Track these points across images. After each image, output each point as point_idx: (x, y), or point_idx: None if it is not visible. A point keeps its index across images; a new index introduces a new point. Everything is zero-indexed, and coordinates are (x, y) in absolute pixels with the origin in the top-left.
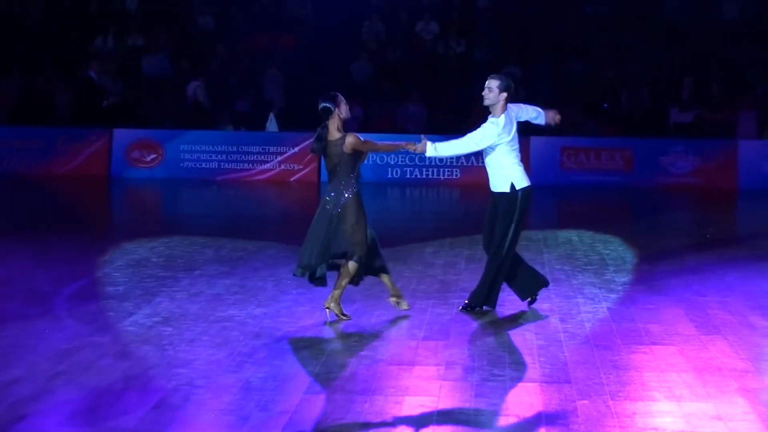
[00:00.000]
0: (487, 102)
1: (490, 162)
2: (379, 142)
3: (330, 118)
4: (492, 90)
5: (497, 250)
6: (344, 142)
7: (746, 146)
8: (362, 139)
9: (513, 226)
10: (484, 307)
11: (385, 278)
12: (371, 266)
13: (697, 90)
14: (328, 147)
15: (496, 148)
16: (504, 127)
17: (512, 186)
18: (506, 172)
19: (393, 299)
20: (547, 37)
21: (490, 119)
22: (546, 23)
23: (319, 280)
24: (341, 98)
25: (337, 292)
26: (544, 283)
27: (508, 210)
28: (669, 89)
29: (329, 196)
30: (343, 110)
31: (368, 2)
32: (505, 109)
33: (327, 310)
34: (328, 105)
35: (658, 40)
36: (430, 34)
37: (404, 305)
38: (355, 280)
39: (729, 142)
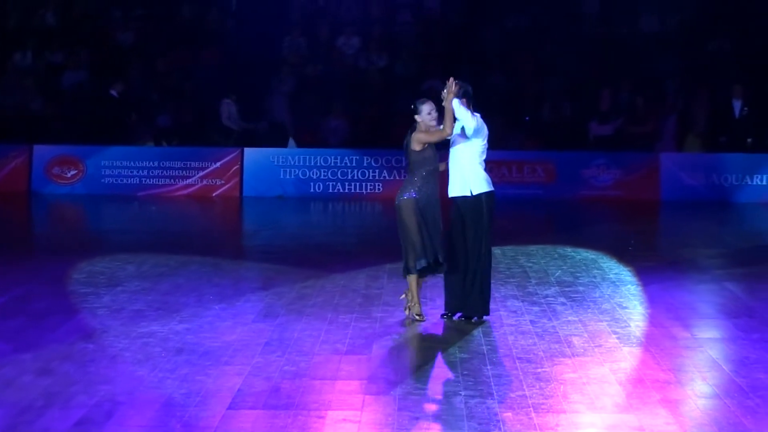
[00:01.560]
0: None
1: (455, 163)
2: (445, 125)
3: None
4: None
5: (477, 258)
6: (411, 140)
7: (668, 158)
8: (427, 131)
9: (485, 229)
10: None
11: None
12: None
13: (616, 102)
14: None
15: (469, 148)
16: (481, 124)
17: (470, 191)
18: (467, 176)
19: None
20: (468, 50)
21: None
22: (467, 36)
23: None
24: (429, 101)
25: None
26: (482, 314)
27: (475, 217)
28: (590, 102)
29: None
30: (424, 109)
31: (289, 17)
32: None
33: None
34: (414, 105)
35: (578, 53)
36: (351, 48)
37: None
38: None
39: (651, 154)
